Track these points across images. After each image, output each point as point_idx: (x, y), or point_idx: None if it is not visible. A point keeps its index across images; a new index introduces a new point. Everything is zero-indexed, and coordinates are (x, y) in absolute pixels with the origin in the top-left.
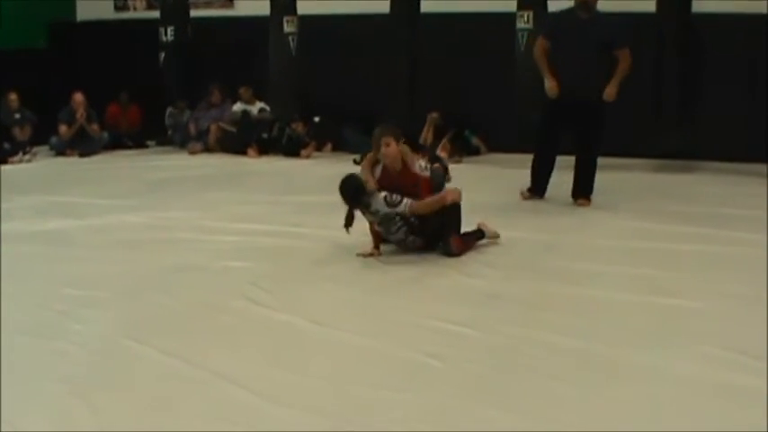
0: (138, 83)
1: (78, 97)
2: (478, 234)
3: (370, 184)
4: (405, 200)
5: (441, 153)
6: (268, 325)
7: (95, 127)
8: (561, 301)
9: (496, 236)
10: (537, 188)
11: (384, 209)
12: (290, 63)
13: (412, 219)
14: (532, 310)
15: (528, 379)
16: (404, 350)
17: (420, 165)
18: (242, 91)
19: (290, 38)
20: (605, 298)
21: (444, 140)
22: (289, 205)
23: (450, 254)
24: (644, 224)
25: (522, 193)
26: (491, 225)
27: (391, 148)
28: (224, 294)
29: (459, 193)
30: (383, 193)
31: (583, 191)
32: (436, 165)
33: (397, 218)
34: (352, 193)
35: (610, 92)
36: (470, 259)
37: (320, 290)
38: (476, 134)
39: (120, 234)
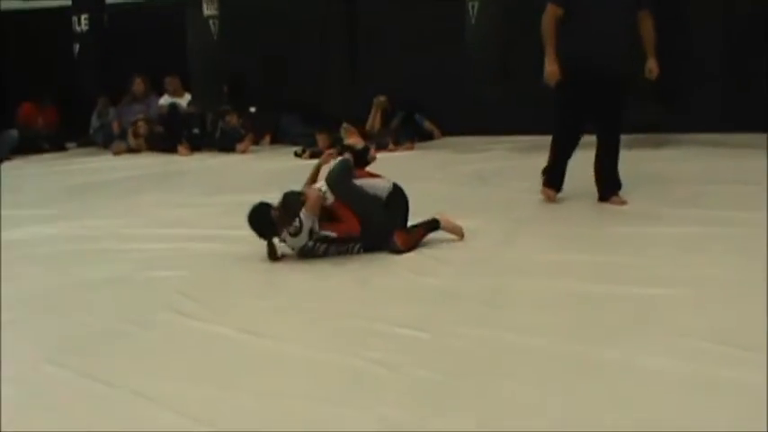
0: (52, 78)
1: None
2: (430, 225)
3: (309, 204)
4: (300, 216)
5: (349, 140)
6: (197, 338)
7: None
8: (522, 297)
9: (459, 233)
10: (555, 180)
11: (291, 241)
12: (212, 49)
13: (325, 234)
14: (489, 308)
15: (484, 383)
16: (347, 358)
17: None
18: (168, 81)
19: (211, 21)
20: (571, 290)
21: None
22: (223, 206)
23: (396, 251)
24: (615, 207)
25: (542, 192)
26: (452, 218)
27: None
28: (149, 307)
29: (316, 197)
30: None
31: (613, 186)
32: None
33: (312, 243)
34: (257, 224)
35: (653, 67)
36: (421, 255)
37: (256, 297)
38: (427, 118)
39: (35, 248)
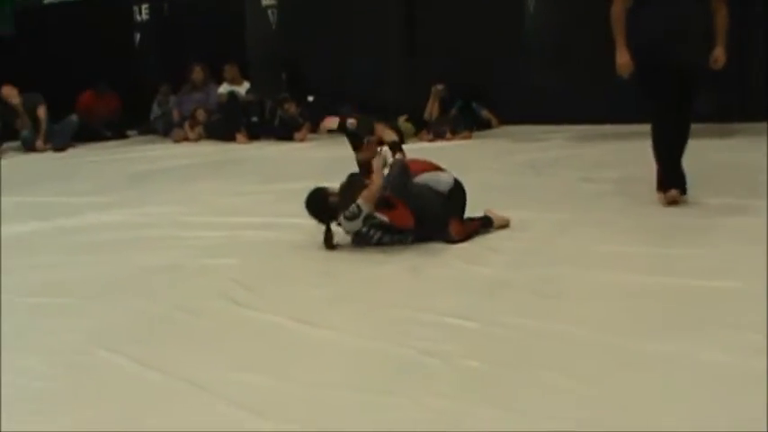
0: (113, 67)
1: (5, 90)
2: (484, 221)
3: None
4: (358, 203)
5: (386, 137)
6: (250, 327)
7: (42, 110)
8: (573, 288)
9: (506, 224)
10: (673, 180)
11: (347, 225)
12: (270, 38)
13: (382, 220)
14: (540, 299)
15: (533, 375)
16: (397, 348)
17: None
18: (226, 69)
19: (269, 11)
20: (626, 283)
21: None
22: (279, 194)
23: (450, 241)
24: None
25: (660, 199)
26: (499, 211)
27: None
28: (203, 295)
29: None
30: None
31: (675, 180)
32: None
33: (366, 229)
34: (315, 208)
35: (719, 55)
36: (474, 245)
37: (309, 286)
38: (485, 106)
39: (93, 234)
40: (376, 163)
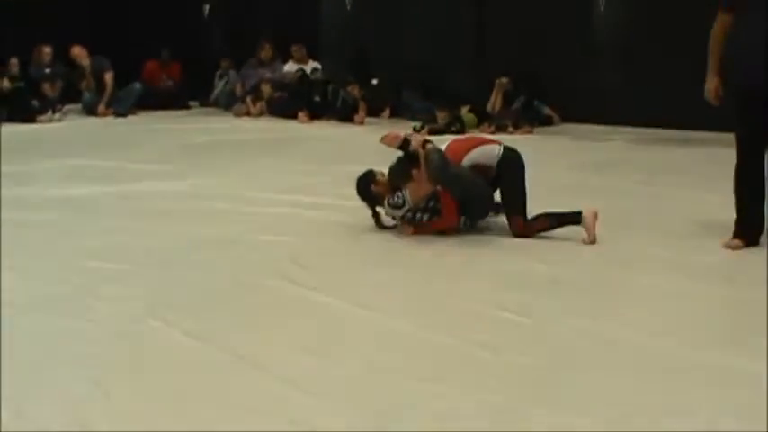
0: (179, 37)
1: (76, 50)
2: (567, 218)
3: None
4: (404, 192)
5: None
6: (305, 307)
7: (109, 75)
8: (629, 291)
9: (592, 238)
10: (747, 228)
11: (391, 211)
12: (345, 19)
13: (430, 204)
14: (598, 300)
15: (586, 375)
16: (452, 339)
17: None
18: (295, 49)
19: None
20: (685, 290)
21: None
22: (338, 176)
23: (514, 234)
24: None
25: (727, 245)
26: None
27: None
28: (259, 272)
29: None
30: (388, 197)
31: (752, 229)
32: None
33: (411, 214)
34: (361, 191)
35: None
36: (536, 240)
37: (365, 269)
38: (546, 104)
39: (151, 202)
40: (423, 166)
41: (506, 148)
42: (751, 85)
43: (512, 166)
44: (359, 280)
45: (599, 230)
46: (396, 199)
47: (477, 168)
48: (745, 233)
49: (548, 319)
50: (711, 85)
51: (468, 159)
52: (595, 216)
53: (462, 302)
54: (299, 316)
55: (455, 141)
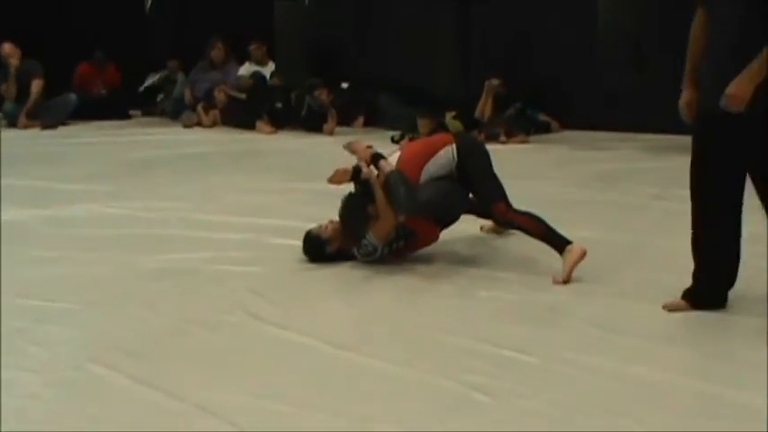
0: (118, 35)
1: (7, 48)
2: (551, 238)
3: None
4: (368, 238)
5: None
6: (272, 347)
7: (37, 83)
8: (644, 322)
9: (565, 278)
10: (707, 292)
11: (368, 259)
12: (303, 16)
13: (400, 231)
14: (608, 333)
15: (597, 419)
16: (442, 380)
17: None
18: (253, 49)
19: None
20: (703, 319)
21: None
22: (306, 194)
23: (497, 220)
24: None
25: (668, 305)
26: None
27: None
28: (217, 307)
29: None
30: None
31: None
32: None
33: (386, 249)
34: (316, 258)
35: (735, 92)
36: (534, 267)
37: (340, 302)
38: (546, 108)
39: (90, 228)
40: (379, 197)
41: (459, 143)
42: (706, 107)
43: (472, 156)
44: (333, 314)
45: (602, 262)
46: (365, 248)
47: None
48: (697, 296)
49: (555, 357)
50: (684, 98)
51: (425, 175)
52: (582, 255)
53: (453, 338)
54: (265, 357)
55: (406, 154)
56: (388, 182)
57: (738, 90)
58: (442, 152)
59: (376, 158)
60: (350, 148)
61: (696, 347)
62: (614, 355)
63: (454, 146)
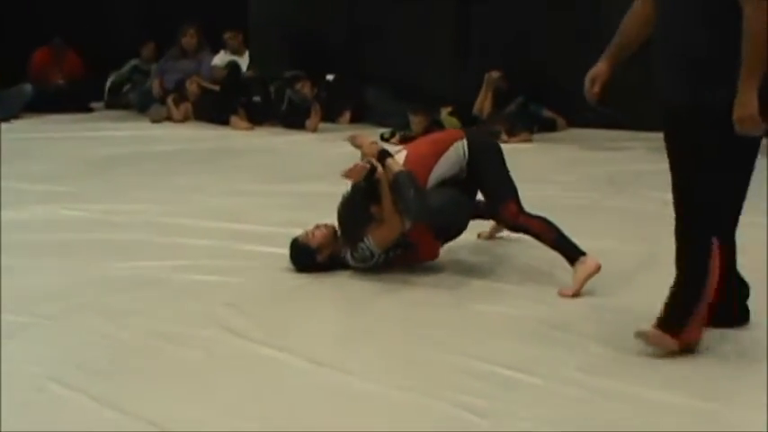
0: (78, 21)
1: None
2: (564, 246)
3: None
4: (367, 241)
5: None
6: (248, 364)
7: None
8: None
9: (574, 292)
10: (680, 316)
11: (358, 265)
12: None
13: (399, 246)
14: (618, 353)
15: None
16: (435, 402)
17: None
18: (228, 36)
19: None
20: (722, 336)
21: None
22: (284, 197)
23: (506, 224)
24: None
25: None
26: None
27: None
28: (189, 320)
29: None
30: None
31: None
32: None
33: (383, 257)
34: (306, 267)
35: (746, 102)
36: (538, 278)
37: (323, 317)
38: (545, 105)
39: (49, 233)
40: (387, 199)
41: (470, 139)
42: (669, 102)
43: (485, 153)
44: (315, 329)
45: (612, 274)
46: (361, 252)
47: (447, 182)
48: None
49: (555, 375)
50: (593, 70)
51: (433, 178)
52: (596, 270)
53: (447, 356)
54: (241, 375)
55: (413, 154)
56: (397, 182)
57: (744, 110)
58: (451, 149)
59: (383, 156)
60: (354, 141)
61: (711, 368)
62: (622, 375)
63: (465, 141)
